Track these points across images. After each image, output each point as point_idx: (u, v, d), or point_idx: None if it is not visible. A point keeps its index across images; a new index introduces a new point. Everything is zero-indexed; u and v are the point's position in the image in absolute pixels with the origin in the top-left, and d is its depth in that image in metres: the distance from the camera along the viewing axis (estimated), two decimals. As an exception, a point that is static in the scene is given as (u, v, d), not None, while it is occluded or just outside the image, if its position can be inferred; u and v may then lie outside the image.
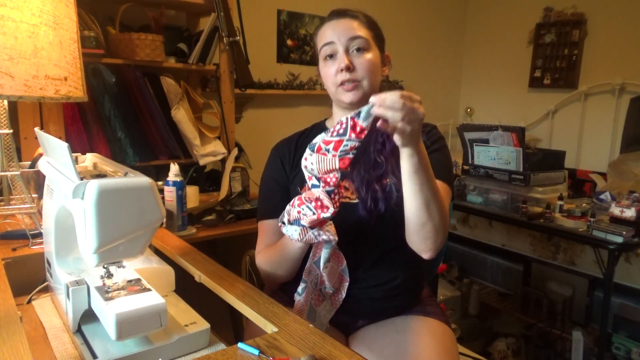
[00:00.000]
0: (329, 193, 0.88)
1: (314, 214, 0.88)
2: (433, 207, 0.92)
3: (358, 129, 0.84)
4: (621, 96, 2.98)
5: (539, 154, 2.30)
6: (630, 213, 1.86)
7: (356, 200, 1.05)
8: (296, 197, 0.92)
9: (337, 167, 0.86)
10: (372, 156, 1.04)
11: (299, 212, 0.90)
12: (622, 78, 2.94)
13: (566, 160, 2.36)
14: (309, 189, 0.91)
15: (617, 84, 2.95)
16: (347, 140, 0.84)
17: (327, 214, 0.87)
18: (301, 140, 1.17)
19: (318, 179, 0.89)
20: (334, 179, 0.88)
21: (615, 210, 1.91)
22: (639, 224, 1.85)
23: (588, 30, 3.12)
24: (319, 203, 0.88)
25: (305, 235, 0.92)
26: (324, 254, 0.97)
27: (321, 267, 0.98)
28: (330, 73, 1.04)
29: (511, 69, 3.56)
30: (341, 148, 0.85)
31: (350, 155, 0.86)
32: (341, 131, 0.84)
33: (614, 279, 1.90)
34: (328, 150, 0.85)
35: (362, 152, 1.06)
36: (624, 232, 1.81)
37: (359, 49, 1.02)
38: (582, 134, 3.21)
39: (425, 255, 1.00)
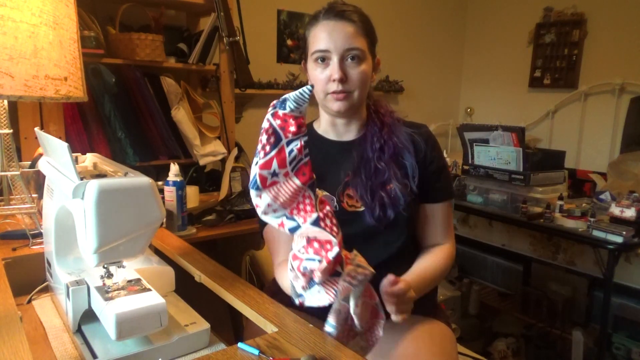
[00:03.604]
0: (316, 223, 0.65)
1: (320, 261, 0.65)
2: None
3: (293, 123, 0.62)
4: (621, 96, 2.98)
5: (539, 154, 2.30)
6: (630, 213, 1.86)
7: (362, 208, 1.02)
8: (289, 259, 0.71)
9: (299, 184, 0.64)
10: (372, 163, 1.03)
11: (303, 274, 0.67)
12: (622, 78, 2.94)
13: (566, 160, 2.35)
14: (295, 238, 0.67)
15: (617, 84, 2.95)
16: (287, 143, 0.63)
17: (334, 251, 0.64)
18: None
19: (291, 217, 0.65)
20: (307, 201, 0.65)
21: (615, 210, 1.91)
22: (639, 224, 1.85)
23: (588, 30, 3.12)
24: (314, 245, 0.65)
25: (337, 290, 0.68)
26: (355, 291, 0.73)
27: (352, 309, 0.74)
28: (321, 79, 1.00)
29: (511, 69, 3.56)
30: (288, 160, 0.63)
31: (305, 160, 0.65)
32: (272, 140, 0.63)
33: (614, 279, 1.90)
34: (274, 174, 0.63)
35: (361, 159, 1.05)
36: (624, 232, 1.81)
37: (353, 58, 0.98)
38: (582, 134, 3.21)
39: None
